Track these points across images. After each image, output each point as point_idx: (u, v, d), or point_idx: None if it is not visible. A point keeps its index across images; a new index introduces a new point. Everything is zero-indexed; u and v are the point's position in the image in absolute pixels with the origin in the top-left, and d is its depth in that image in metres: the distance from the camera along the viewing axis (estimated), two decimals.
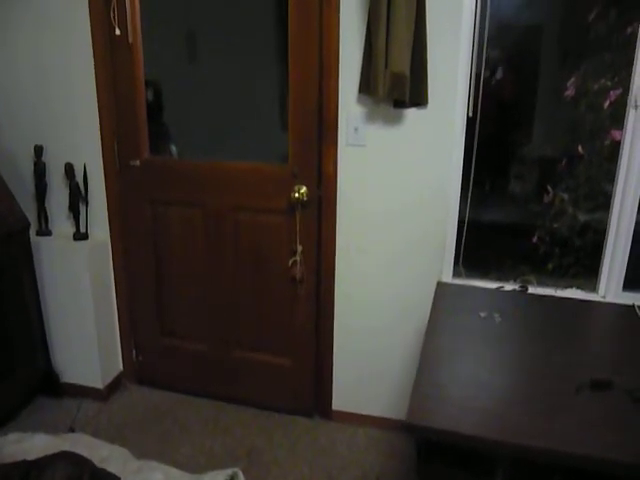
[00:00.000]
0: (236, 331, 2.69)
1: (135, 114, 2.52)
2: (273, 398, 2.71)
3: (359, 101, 2.22)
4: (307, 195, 2.35)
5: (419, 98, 2.11)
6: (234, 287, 2.61)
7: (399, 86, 2.03)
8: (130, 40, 2.41)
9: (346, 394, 2.62)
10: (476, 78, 2.19)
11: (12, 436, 2.30)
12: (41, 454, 1.69)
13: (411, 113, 2.19)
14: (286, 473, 2.34)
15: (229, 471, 2.07)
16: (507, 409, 1.39)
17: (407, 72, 2.02)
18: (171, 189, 2.57)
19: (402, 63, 2.00)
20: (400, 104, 2.13)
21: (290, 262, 2.45)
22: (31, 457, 1.77)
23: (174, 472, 2.14)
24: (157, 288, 2.74)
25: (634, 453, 1.23)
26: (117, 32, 2.40)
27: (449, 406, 1.40)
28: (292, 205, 2.38)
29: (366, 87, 2.12)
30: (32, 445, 2.17)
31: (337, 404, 2.64)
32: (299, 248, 2.42)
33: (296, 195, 2.35)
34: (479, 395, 1.44)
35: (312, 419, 2.65)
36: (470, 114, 2.21)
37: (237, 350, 2.72)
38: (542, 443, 1.26)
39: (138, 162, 2.57)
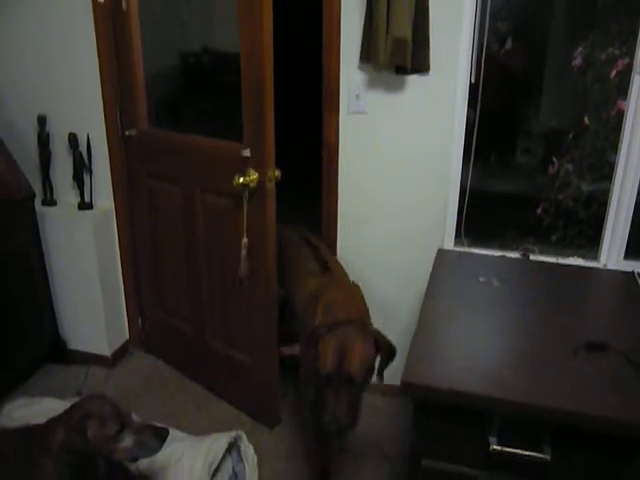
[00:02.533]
0: (209, 319, 2.56)
1: (133, 83, 2.51)
2: (237, 398, 2.55)
3: (360, 68, 2.21)
4: (256, 182, 2.05)
5: (421, 64, 2.09)
6: (204, 273, 2.49)
7: (400, 52, 2.01)
8: (124, 7, 2.39)
9: None
10: (479, 45, 2.17)
11: (20, 400, 2.37)
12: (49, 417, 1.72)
13: (413, 80, 2.18)
14: (289, 436, 2.39)
15: (232, 433, 2.12)
16: (502, 369, 1.41)
17: (409, 37, 2.00)
18: (160, 162, 2.53)
19: (404, 28, 1.99)
20: (401, 70, 2.11)
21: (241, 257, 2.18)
22: (39, 420, 1.80)
23: (178, 434, 2.20)
24: (154, 262, 2.75)
25: (624, 410, 1.26)
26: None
27: (445, 365, 1.42)
28: (238, 192, 2.09)
29: (367, 53, 2.11)
30: (40, 409, 2.23)
31: None
32: (245, 241, 2.14)
33: (241, 180, 2.04)
34: (475, 355, 1.46)
35: (273, 430, 2.43)
36: (473, 80, 2.19)
37: (211, 338, 2.59)
38: (534, 400, 1.29)
39: (135, 132, 2.57)
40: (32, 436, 1.68)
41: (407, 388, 1.34)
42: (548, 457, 1.30)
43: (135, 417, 2.11)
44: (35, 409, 2.26)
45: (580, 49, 2.75)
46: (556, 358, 1.45)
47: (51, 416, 1.70)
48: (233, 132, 2.21)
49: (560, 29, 2.92)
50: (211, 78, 2.95)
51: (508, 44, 2.87)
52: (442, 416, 1.36)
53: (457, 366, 1.41)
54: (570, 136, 2.90)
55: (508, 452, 1.31)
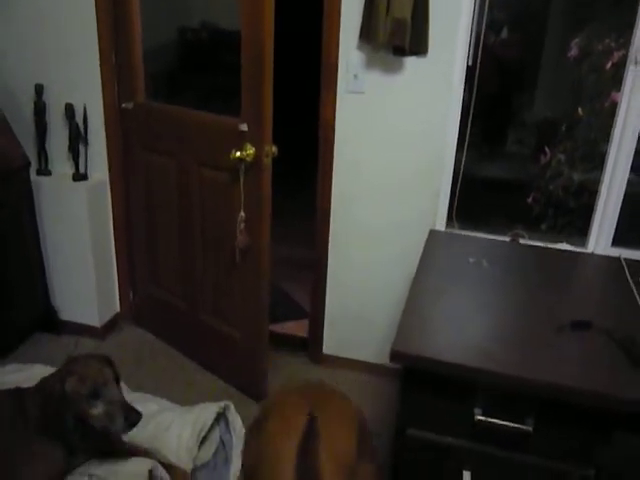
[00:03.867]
0: (201, 294, 2.58)
1: (131, 56, 2.50)
2: (226, 371, 2.59)
3: (359, 48, 2.22)
4: (253, 157, 2.08)
5: (419, 46, 2.11)
6: (198, 247, 2.51)
7: (400, 32, 2.03)
8: None
9: (337, 339, 2.69)
10: (478, 28, 2.19)
11: (11, 366, 2.38)
12: None
13: (410, 61, 2.19)
14: None
15: (221, 404, 2.15)
16: (489, 343, 1.45)
17: (408, 18, 2.02)
18: (157, 136, 2.53)
19: (404, 9, 2.00)
20: (400, 51, 2.13)
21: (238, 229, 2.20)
22: (29, 385, 1.82)
23: (167, 404, 2.23)
24: (148, 235, 2.76)
25: (606, 385, 1.30)
26: None
27: (433, 337, 1.46)
28: (235, 166, 2.11)
29: (367, 33, 2.12)
30: (31, 374, 2.24)
31: (328, 349, 2.72)
32: (242, 215, 2.18)
33: (237, 155, 2.06)
34: (463, 329, 1.49)
35: (260, 403, 2.44)
36: (470, 63, 2.21)
37: (203, 313, 2.62)
38: (518, 372, 1.33)
39: (132, 105, 2.56)
40: (23, 396, 1.71)
41: (396, 356, 1.37)
42: (530, 429, 1.34)
43: (123, 390, 2.14)
44: (26, 374, 2.27)
45: (577, 40, 2.78)
46: (541, 335, 1.49)
47: None
48: (230, 108, 2.22)
49: (557, 20, 2.95)
50: (209, 54, 2.95)
51: (504, 33, 2.89)
52: (428, 386, 1.40)
53: (445, 338, 1.45)
54: (563, 127, 2.94)
55: (492, 423, 1.35)
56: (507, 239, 2.37)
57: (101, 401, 1.62)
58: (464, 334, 1.47)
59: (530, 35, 2.94)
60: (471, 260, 1.89)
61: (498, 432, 1.37)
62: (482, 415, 1.36)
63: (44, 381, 1.69)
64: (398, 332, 1.44)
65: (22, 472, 1.70)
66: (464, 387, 1.37)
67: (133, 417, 1.62)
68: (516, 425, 1.35)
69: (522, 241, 2.38)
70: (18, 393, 1.79)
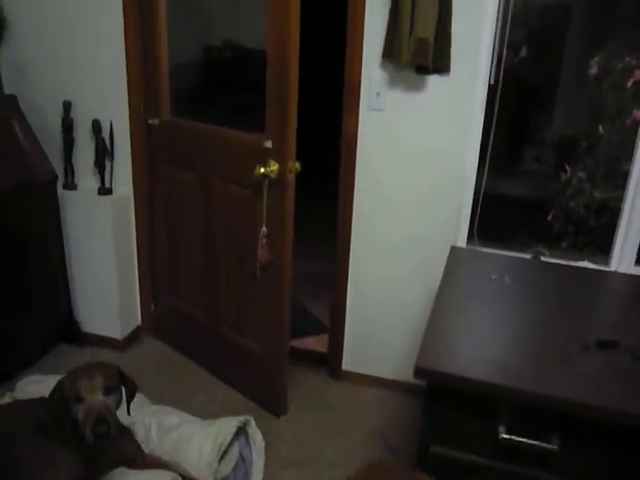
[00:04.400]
0: (223, 307, 2.60)
1: (158, 73, 2.56)
2: (246, 385, 2.59)
3: (382, 66, 2.25)
4: (277, 173, 2.10)
5: (442, 64, 2.13)
6: (221, 261, 2.53)
7: (423, 51, 2.05)
8: None
9: (357, 355, 2.69)
10: (499, 48, 2.21)
11: (34, 377, 2.42)
12: None
13: (433, 80, 2.22)
14: (296, 425, 2.43)
15: (242, 418, 2.16)
16: (513, 360, 1.44)
17: (431, 38, 2.04)
18: (181, 152, 2.58)
19: (427, 29, 2.03)
20: (422, 70, 2.16)
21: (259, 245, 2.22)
22: None
23: (188, 417, 2.24)
24: (170, 249, 2.79)
25: (633, 403, 1.28)
26: None
27: (457, 353, 1.46)
28: (259, 182, 2.14)
29: (390, 52, 2.15)
30: (53, 385, 2.28)
31: (347, 365, 2.72)
32: (264, 230, 2.21)
33: (262, 171, 2.09)
34: (486, 346, 1.49)
35: (280, 418, 2.47)
36: (492, 81, 2.23)
37: (224, 327, 2.63)
38: (543, 389, 1.32)
39: (157, 122, 2.62)
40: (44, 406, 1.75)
41: (420, 373, 1.37)
42: (556, 447, 1.33)
43: (143, 402, 2.16)
44: (48, 385, 2.29)
45: (597, 58, 2.79)
46: (566, 352, 1.48)
47: None
48: (252, 124, 2.26)
49: (576, 38, 2.96)
50: (233, 71, 3.00)
51: (523, 52, 2.91)
52: (452, 403, 1.40)
53: (468, 354, 1.45)
54: (583, 144, 2.93)
55: (516, 441, 1.34)
56: (528, 256, 2.37)
57: (82, 406, 1.65)
58: (488, 351, 1.46)
59: (549, 53, 2.96)
60: (493, 277, 1.89)
61: (523, 450, 1.36)
62: (506, 433, 1.35)
63: (54, 385, 1.73)
64: (422, 348, 1.45)
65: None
66: (488, 404, 1.36)
67: (99, 428, 1.61)
68: (541, 444, 1.34)
69: (543, 259, 2.37)
70: (41, 403, 1.83)
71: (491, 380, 1.35)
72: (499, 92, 2.27)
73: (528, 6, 2.62)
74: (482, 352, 1.46)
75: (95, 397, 1.65)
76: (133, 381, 1.84)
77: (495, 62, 2.21)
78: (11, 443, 1.78)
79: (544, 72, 3.00)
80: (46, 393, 2.01)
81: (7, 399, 2.27)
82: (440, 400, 1.41)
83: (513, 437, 1.34)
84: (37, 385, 2.31)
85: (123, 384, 1.78)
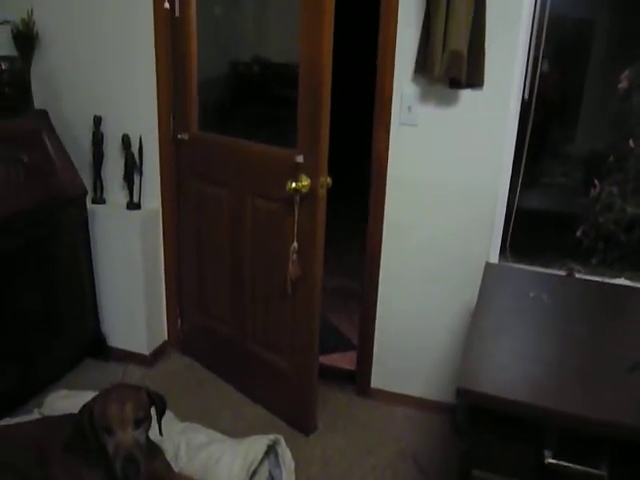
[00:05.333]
0: (251, 323, 2.58)
1: (187, 88, 2.57)
2: (274, 403, 2.55)
3: (414, 80, 2.23)
4: (308, 188, 2.08)
5: (475, 78, 2.11)
6: (250, 277, 2.51)
7: (456, 65, 2.03)
8: (177, 14, 2.45)
9: (386, 373, 2.65)
10: (534, 61, 2.18)
11: (62, 392, 2.42)
12: None
13: (466, 94, 2.19)
14: (325, 444, 2.38)
15: (272, 437, 2.13)
16: (557, 381, 1.39)
17: (465, 51, 2.02)
18: (211, 166, 2.57)
19: (460, 42, 2.01)
20: (456, 84, 2.13)
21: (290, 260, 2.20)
22: None
23: (216, 435, 2.22)
24: (198, 264, 2.77)
25: None
26: (166, 5, 2.43)
27: (499, 375, 1.41)
28: (290, 197, 2.13)
29: (422, 66, 2.13)
30: (81, 401, 2.24)
31: (376, 383, 2.67)
32: (295, 246, 2.19)
33: (293, 186, 2.07)
34: (529, 366, 1.44)
35: (309, 437, 2.42)
36: (526, 97, 2.20)
37: (252, 343, 2.60)
38: (591, 413, 1.27)
39: (187, 136, 2.62)
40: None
41: (463, 395, 1.33)
42: (605, 474, 1.27)
43: (171, 420, 2.13)
44: (76, 401, 2.29)
45: (627, 72, 2.74)
46: (611, 374, 1.43)
47: None
48: (281, 139, 2.25)
49: (603, 52, 2.92)
50: (260, 86, 3.01)
51: (544, 66, 2.87)
52: (496, 426, 1.35)
53: (511, 375, 1.40)
54: (612, 159, 2.88)
55: (563, 467, 1.29)
56: (562, 273, 2.31)
57: (112, 439, 1.63)
58: (531, 372, 1.42)
59: (574, 67, 2.92)
60: (531, 295, 1.84)
61: (569, 476, 1.30)
62: (552, 458, 1.30)
63: (82, 406, 1.72)
64: (462, 369, 1.41)
65: None
66: (533, 427, 1.31)
67: (129, 469, 1.60)
68: (589, 469, 1.28)
69: (578, 275, 2.32)
70: (69, 421, 1.81)
71: (535, 402, 1.30)
72: (533, 107, 2.23)
73: (554, 20, 2.60)
74: (525, 373, 1.41)
75: (126, 432, 1.63)
76: (163, 398, 1.82)
77: (529, 76, 2.18)
78: (42, 460, 1.77)
79: (569, 86, 2.96)
80: (73, 409, 2.00)
81: (35, 415, 2.27)
82: (483, 422, 1.36)
83: (560, 462, 1.29)
84: (65, 401, 2.31)
85: (153, 404, 1.75)
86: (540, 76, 2.27)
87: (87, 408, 1.69)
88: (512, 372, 1.42)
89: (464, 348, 1.53)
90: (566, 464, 1.29)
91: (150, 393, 1.77)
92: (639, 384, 1.39)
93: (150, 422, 1.74)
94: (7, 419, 2.19)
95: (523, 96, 2.21)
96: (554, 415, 1.28)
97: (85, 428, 1.67)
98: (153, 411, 1.77)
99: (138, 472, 1.62)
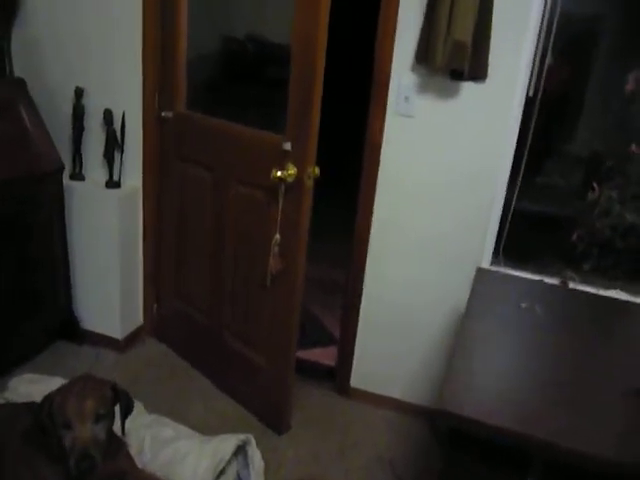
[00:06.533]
0: (228, 315, 2.47)
1: (175, 64, 2.43)
2: (248, 398, 2.45)
3: (413, 69, 2.10)
4: (295, 177, 1.96)
5: (478, 71, 1.99)
6: (229, 266, 2.40)
7: (459, 56, 1.91)
8: None
9: (367, 372, 2.55)
10: (542, 55, 2.06)
11: (29, 376, 2.31)
12: None
13: (467, 87, 2.07)
14: (298, 444, 2.29)
15: (242, 436, 2.04)
16: (545, 405, 1.30)
17: (469, 42, 1.90)
18: (195, 148, 2.45)
19: (465, 32, 1.89)
20: (457, 76, 2.01)
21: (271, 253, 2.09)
22: None
23: (184, 430, 2.12)
24: (177, 248, 2.66)
25: None
26: None
27: (483, 395, 1.32)
28: (275, 186, 2.01)
29: (424, 55, 2.01)
30: (47, 387, 2.14)
31: (356, 382, 2.58)
32: (277, 238, 2.07)
33: (279, 174, 1.95)
34: (516, 387, 1.35)
35: (281, 435, 2.32)
36: (531, 93, 2.08)
37: (228, 335, 2.49)
38: (577, 444, 1.18)
39: (171, 114, 2.49)
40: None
41: (444, 416, 1.24)
42: None
43: (141, 413, 2.04)
44: (41, 386, 2.19)
45: (635, 72, 2.63)
46: (602, 398, 1.35)
47: None
48: (271, 124, 2.13)
49: (610, 51, 2.80)
50: (253, 67, 2.87)
51: (551, 62, 2.75)
52: (476, 450, 1.26)
53: (496, 397, 1.31)
54: (614, 162, 2.77)
55: None
56: (556, 281, 2.22)
57: (69, 434, 1.55)
58: (518, 394, 1.32)
59: (577, 66, 2.80)
60: (523, 305, 1.74)
61: None
62: None
63: (43, 398, 1.63)
64: (445, 388, 1.31)
65: None
66: (516, 455, 1.22)
67: (83, 464, 1.52)
68: None
69: (572, 285, 2.22)
70: (31, 411, 1.71)
71: (521, 430, 1.21)
72: (537, 105, 2.12)
73: (562, 14, 2.47)
74: (511, 395, 1.32)
75: (84, 427, 1.54)
76: (130, 398, 1.73)
77: (536, 72, 2.06)
78: (2, 449, 1.68)
79: (572, 84, 2.84)
80: (38, 394, 1.90)
81: None
82: (463, 445, 1.27)
83: None
84: (30, 386, 2.20)
85: (117, 401, 1.66)
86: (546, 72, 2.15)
87: (47, 400, 1.60)
88: (497, 394, 1.32)
89: (448, 363, 1.43)
90: None
91: (117, 389, 1.67)
92: (631, 413, 1.30)
93: (112, 419, 1.65)
94: None
95: (527, 92, 2.09)
96: (539, 444, 1.19)
97: (44, 420, 1.58)
98: (117, 408, 1.68)
99: (93, 469, 1.53)
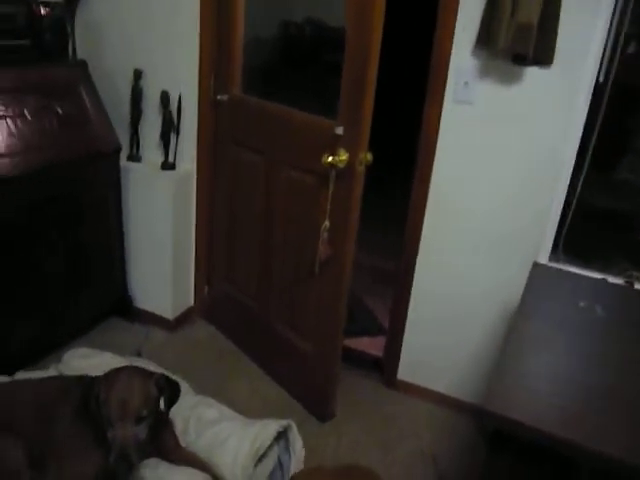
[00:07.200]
0: (276, 300, 2.46)
1: (231, 47, 2.42)
2: (293, 384, 2.44)
3: (474, 54, 2.01)
4: (346, 163, 1.92)
5: (544, 55, 1.88)
6: (278, 251, 2.39)
7: (524, 39, 1.81)
8: None
9: (413, 364, 2.50)
10: (615, 39, 1.92)
11: (81, 350, 2.38)
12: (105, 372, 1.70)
13: (531, 72, 1.96)
14: (340, 433, 2.27)
15: (284, 422, 2.03)
16: (599, 414, 1.22)
17: (535, 23, 1.79)
18: (248, 131, 2.44)
19: (531, 13, 1.79)
20: (521, 60, 1.91)
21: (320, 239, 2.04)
22: (95, 373, 1.79)
23: (228, 412, 2.13)
24: (229, 231, 2.67)
25: None
26: None
27: (532, 398, 1.24)
28: (326, 171, 1.97)
29: (485, 37, 1.91)
30: (99, 362, 2.23)
31: (403, 374, 2.53)
32: (326, 224, 2.03)
33: (330, 160, 1.91)
34: (568, 393, 1.27)
35: (324, 423, 2.31)
36: (601, 79, 1.95)
37: (275, 320, 2.49)
38: (634, 459, 1.09)
39: (226, 97, 2.48)
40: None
41: (488, 417, 1.18)
42: None
43: (187, 393, 2.05)
44: (94, 361, 2.26)
45: None
46: None
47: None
48: (325, 109, 2.08)
49: None
50: (310, 50, 2.84)
51: (631, 48, 2.57)
52: (522, 456, 1.19)
53: (546, 401, 1.24)
54: None
55: None
56: (620, 281, 2.09)
57: (111, 431, 1.57)
58: (572, 399, 1.24)
59: None
60: (582, 304, 1.64)
61: None
62: None
63: (91, 383, 1.65)
64: (491, 387, 1.25)
65: (69, 464, 1.66)
66: (565, 464, 1.15)
67: (120, 466, 1.55)
68: None
69: (638, 285, 2.08)
70: (83, 387, 1.74)
71: (570, 437, 1.13)
72: (607, 92, 1.98)
73: None
74: (564, 401, 1.24)
75: (125, 428, 1.55)
76: (176, 390, 1.73)
77: (607, 57, 1.93)
78: (51, 420, 1.73)
79: None
80: (89, 369, 1.97)
81: (52, 371, 2.24)
82: (506, 449, 1.21)
83: None
84: (81, 360, 2.27)
85: (162, 394, 1.67)
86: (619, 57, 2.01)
87: (95, 390, 1.61)
88: (548, 398, 1.25)
89: (497, 361, 1.36)
90: None
91: (161, 383, 1.67)
92: None
93: (156, 415, 1.66)
94: (21, 372, 2.16)
95: (598, 79, 1.96)
96: (589, 454, 1.11)
97: (93, 409, 1.61)
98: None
99: (130, 469, 1.58)
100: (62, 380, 2.01)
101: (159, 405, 1.67)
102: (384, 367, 2.59)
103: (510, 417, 1.16)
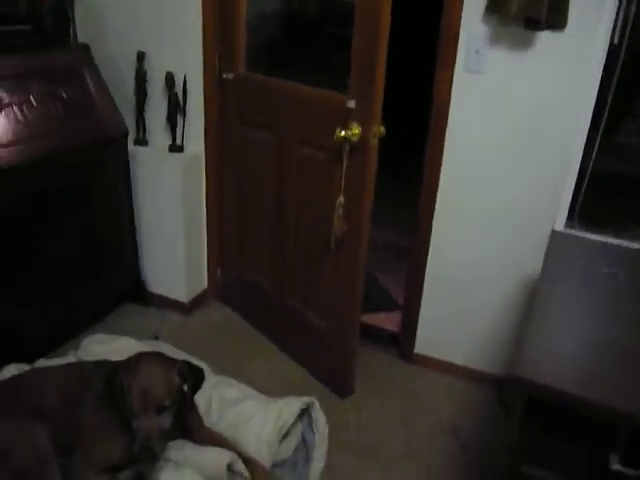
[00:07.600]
0: (290, 278, 2.46)
1: (235, 25, 2.38)
2: (311, 362, 2.45)
3: (484, 20, 1.97)
4: (359, 137, 1.89)
5: (557, 19, 1.84)
6: (292, 229, 2.37)
7: (536, 2, 1.77)
8: None
9: (430, 338, 2.50)
10: (627, 2, 1.88)
11: (99, 336, 2.37)
12: (124, 356, 1.69)
13: (543, 37, 1.92)
14: (360, 409, 2.28)
15: (306, 399, 2.03)
16: (632, 377, 1.21)
17: None
18: (256, 109, 2.41)
19: None
20: (533, 24, 1.87)
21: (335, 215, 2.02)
22: (114, 358, 1.79)
23: (250, 392, 2.13)
24: (240, 212, 2.65)
25: None
26: None
27: (563, 363, 1.24)
28: (339, 146, 1.95)
29: (496, 2, 1.87)
30: (117, 346, 2.23)
31: (420, 347, 2.53)
32: (341, 200, 2.01)
33: (342, 134, 1.88)
34: (601, 357, 1.26)
35: (344, 399, 2.33)
36: (616, 42, 1.91)
37: (291, 298, 2.50)
38: None
39: (232, 76, 2.45)
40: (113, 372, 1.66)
41: (516, 382, 1.17)
42: None
43: (207, 373, 2.05)
44: (112, 346, 2.26)
45: None
46: None
47: (125, 355, 1.69)
48: (334, 83, 2.05)
49: None
50: (316, 24, 2.79)
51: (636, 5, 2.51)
52: (554, 421, 1.19)
53: (577, 366, 1.23)
54: None
55: (632, 475, 1.12)
56: (637, 246, 2.07)
57: (135, 422, 1.56)
58: (602, 364, 1.24)
59: None
60: (605, 270, 1.63)
61: None
62: (619, 464, 1.13)
63: (115, 369, 1.65)
64: (519, 353, 1.24)
65: (96, 449, 1.66)
66: (599, 428, 1.15)
67: (143, 456, 1.55)
68: None
69: None
70: (104, 373, 1.74)
71: (605, 401, 1.13)
72: (622, 56, 1.94)
73: None
74: (595, 365, 1.23)
75: (147, 418, 1.54)
76: (200, 376, 1.72)
77: (621, 19, 1.89)
78: (77, 406, 1.73)
79: None
80: (108, 355, 1.96)
81: (71, 358, 2.24)
82: (538, 416, 1.21)
83: (629, 470, 1.13)
84: (99, 346, 2.27)
85: (185, 381, 1.65)
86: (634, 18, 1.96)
87: (117, 378, 1.60)
88: (578, 362, 1.24)
89: (522, 326, 1.35)
90: (635, 472, 1.13)
91: (184, 370, 1.65)
92: None
93: (179, 404, 1.64)
94: (41, 360, 2.17)
95: (612, 41, 1.92)
96: (626, 417, 1.11)
97: (117, 397, 1.60)
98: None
99: (153, 460, 1.58)
100: (83, 366, 2.01)
101: (183, 393, 1.66)
102: (401, 342, 2.59)
103: (541, 383, 1.16)
